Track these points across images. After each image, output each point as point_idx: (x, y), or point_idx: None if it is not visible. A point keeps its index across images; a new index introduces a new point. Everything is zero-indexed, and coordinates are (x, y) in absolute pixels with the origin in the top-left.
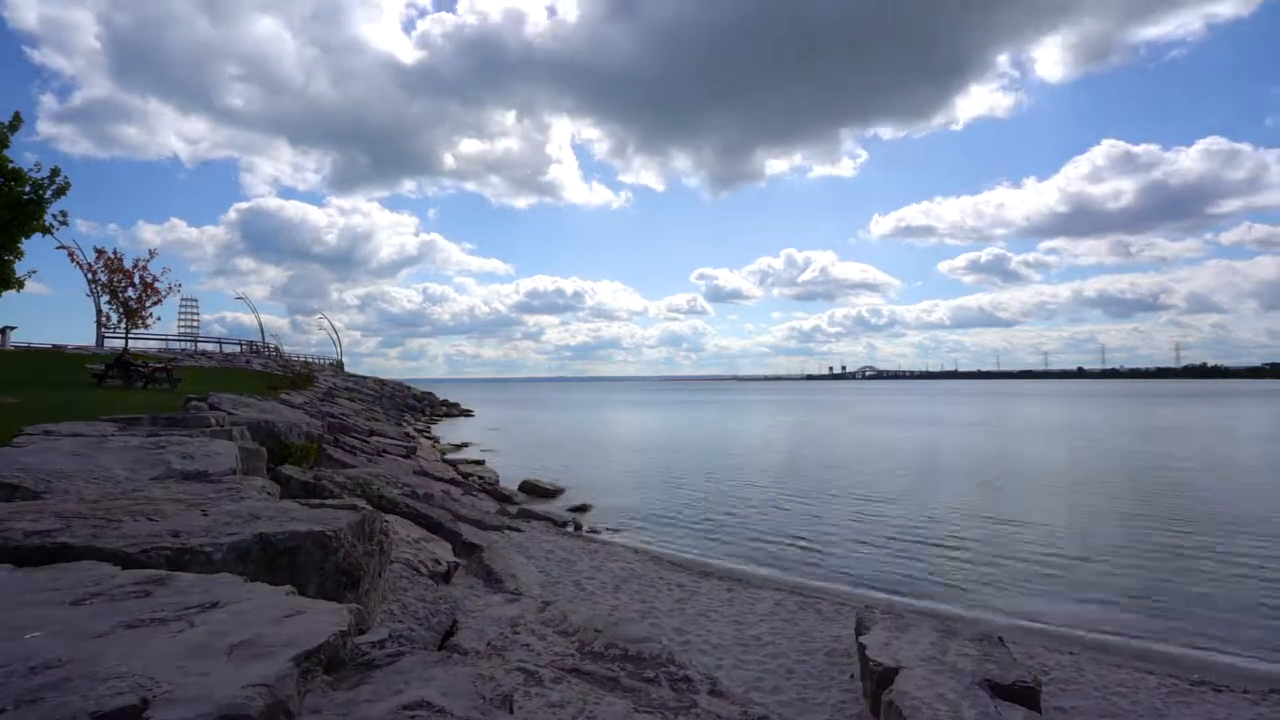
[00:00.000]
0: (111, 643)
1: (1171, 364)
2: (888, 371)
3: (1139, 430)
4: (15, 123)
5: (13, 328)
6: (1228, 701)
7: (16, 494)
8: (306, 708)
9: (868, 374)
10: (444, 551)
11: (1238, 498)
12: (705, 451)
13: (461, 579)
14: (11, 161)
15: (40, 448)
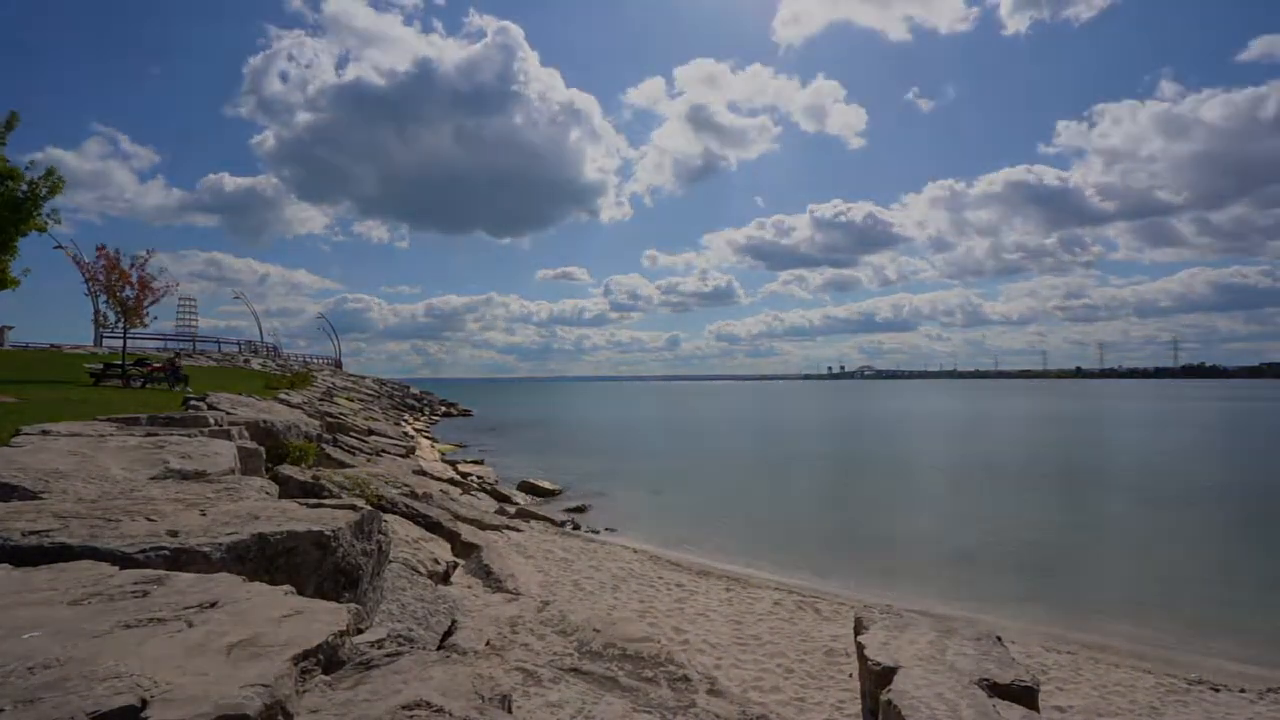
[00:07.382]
0: (110, 643)
1: (1170, 364)
2: (886, 371)
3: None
4: (11, 121)
5: (10, 327)
6: (1225, 701)
7: (15, 494)
8: (305, 707)
9: (867, 373)
10: (443, 551)
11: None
12: (708, 451)
13: (460, 579)
14: (7, 160)
15: (38, 447)
